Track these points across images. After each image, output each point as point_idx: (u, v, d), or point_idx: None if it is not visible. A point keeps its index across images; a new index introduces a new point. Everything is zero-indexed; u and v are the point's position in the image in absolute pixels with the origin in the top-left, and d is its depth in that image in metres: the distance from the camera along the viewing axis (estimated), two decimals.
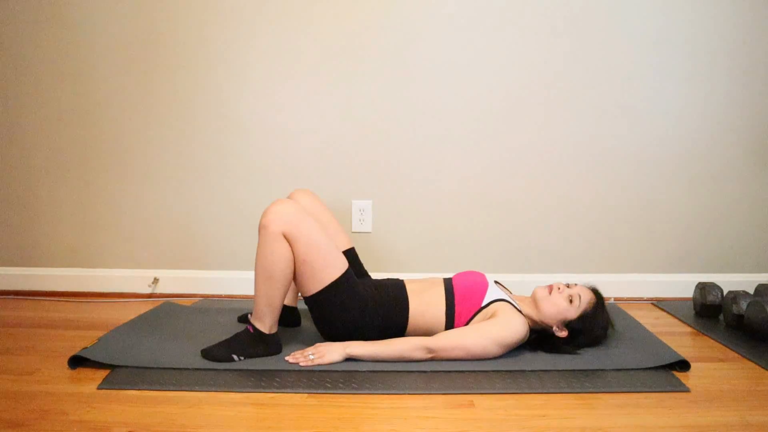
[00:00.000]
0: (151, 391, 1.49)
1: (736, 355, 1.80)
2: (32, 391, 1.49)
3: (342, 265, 1.70)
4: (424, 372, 1.61)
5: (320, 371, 1.61)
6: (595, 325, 1.76)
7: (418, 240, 2.43)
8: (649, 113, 2.37)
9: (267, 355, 1.70)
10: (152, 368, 1.61)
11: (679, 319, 2.17)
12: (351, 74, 2.35)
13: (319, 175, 2.39)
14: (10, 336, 1.92)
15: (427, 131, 2.37)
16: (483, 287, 1.78)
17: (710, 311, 2.15)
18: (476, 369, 1.63)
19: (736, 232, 2.44)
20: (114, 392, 1.49)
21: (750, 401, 1.48)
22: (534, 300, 1.78)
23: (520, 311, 1.74)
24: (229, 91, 2.36)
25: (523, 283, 2.27)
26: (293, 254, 1.64)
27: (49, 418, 1.35)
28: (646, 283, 2.44)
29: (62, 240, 2.46)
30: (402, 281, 1.83)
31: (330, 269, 1.67)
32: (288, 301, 1.99)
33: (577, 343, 1.76)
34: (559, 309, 1.73)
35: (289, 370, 1.61)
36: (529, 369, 1.63)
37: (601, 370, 1.64)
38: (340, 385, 1.53)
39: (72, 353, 1.65)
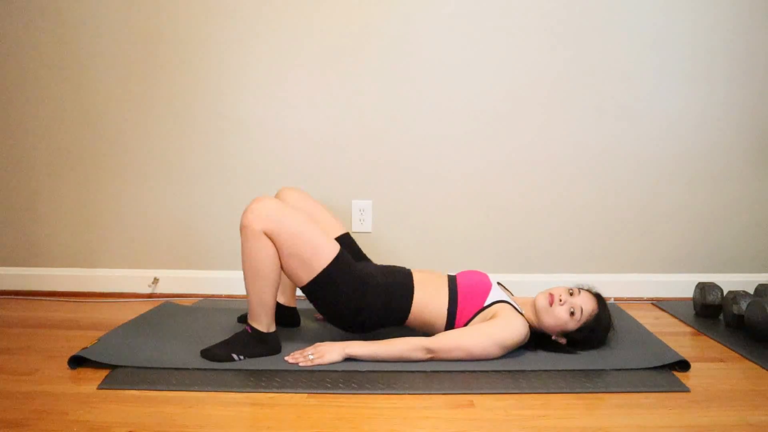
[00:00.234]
0: (151, 391, 1.49)
1: (736, 355, 1.80)
2: (32, 391, 1.49)
3: (332, 250, 1.67)
4: (424, 372, 1.61)
5: (320, 371, 1.61)
6: (593, 337, 1.76)
7: (419, 240, 2.43)
8: (648, 113, 2.37)
9: (267, 354, 1.70)
10: (152, 368, 1.61)
11: (679, 319, 2.17)
12: (351, 74, 2.35)
13: (319, 175, 2.39)
14: (10, 336, 1.92)
15: (428, 131, 2.37)
16: (486, 288, 1.78)
17: (710, 311, 2.15)
18: (476, 369, 1.63)
19: (736, 232, 2.44)
20: (114, 392, 1.49)
21: (750, 401, 1.48)
22: (535, 308, 1.76)
23: (521, 313, 1.74)
24: (228, 91, 2.36)
25: (523, 283, 2.28)
26: (278, 250, 1.63)
27: (49, 418, 1.35)
28: (646, 283, 2.44)
29: (62, 240, 2.46)
30: (410, 270, 1.83)
31: (319, 257, 1.65)
32: (287, 302, 1.99)
33: (575, 348, 1.76)
34: (558, 322, 1.72)
35: (288, 370, 1.61)
36: (529, 369, 1.64)
37: (601, 370, 1.65)
38: (340, 384, 1.53)
39: (72, 353, 1.65)
